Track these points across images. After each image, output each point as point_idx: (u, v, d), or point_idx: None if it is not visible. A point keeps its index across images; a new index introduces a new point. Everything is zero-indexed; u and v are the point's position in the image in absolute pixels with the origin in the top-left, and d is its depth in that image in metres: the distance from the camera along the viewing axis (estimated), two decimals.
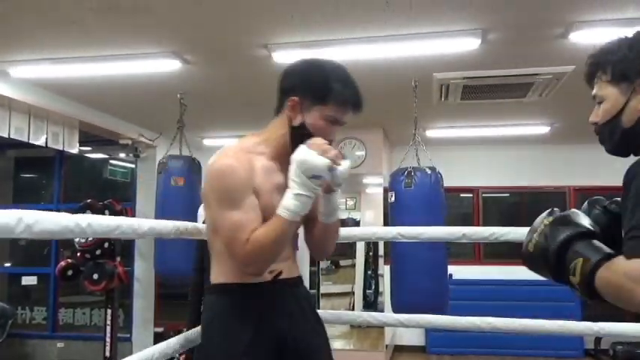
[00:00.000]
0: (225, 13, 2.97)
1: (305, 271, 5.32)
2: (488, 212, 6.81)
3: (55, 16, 3.02)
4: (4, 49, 3.56)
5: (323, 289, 6.32)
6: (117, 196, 5.55)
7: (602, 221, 1.20)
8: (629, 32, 1.18)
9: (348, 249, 6.68)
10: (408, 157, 3.81)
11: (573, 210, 1.17)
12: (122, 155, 6.43)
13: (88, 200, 4.83)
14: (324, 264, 6.68)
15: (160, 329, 5.74)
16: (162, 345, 1.80)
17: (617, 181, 1.07)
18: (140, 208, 5.77)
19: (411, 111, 3.88)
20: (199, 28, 3.22)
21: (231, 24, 3.13)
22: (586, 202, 1.31)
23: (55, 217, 1.24)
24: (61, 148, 4.82)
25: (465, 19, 3.02)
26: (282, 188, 1.43)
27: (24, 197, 6.63)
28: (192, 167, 4.32)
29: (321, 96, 1.46)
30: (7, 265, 6.58)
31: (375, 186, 6.14)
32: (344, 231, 2.06)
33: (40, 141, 4.54)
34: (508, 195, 7.03)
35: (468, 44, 3.28)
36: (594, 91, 1.21)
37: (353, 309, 6.31)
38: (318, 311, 1.76)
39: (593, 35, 3.03)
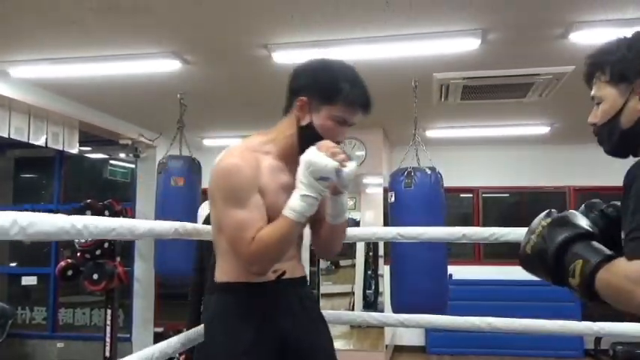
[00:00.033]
0: (225, 13, 2.97)
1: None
2: (488, 212, 6.81)
3: (55, 16, 3.02)
4: (4, 49, 3.56)
5: (323, 289, 6.31)
6: (117, 197, 5.55)
7: (599, 225, 1.19)
8: (628, 32, 1.17)
9: (348, 249, 6.68)
10: (408, 158, 3.81)
11: (571, 211, 1.16)
12: (122, 155, 6.43)
13: (88, 200, 4.83)
14: (324, 264, 6.67)
15: (159, 329, 5.74)
16: (163, 344, 1.80)
17: (617, 181, 1.07)
18: (140, 209, 5.77)
19: (411, 111, 3.88)
20: (199, 28, 3.22)
21: (231, 24, 3.13)
22: (583, 206, 1.30)
23: (49, 218, 1.23)
24: (61, 148, 4.82)
25: (465, 19, 3.02)
26: (288, 188, 1.43)
27: (24, 197, 6.62)
28: (192, 167, 4.32)
29: (330, 96, 1.45)
30: (13, 264, 6.59)
31: (375, 186, 6.14)
32: None
33: (40, 141, 4.54)
34: (508, 195, 7.03)
35: (467, 44, 3.28)
36: (593, 92, 1.20)
37: (353, 309, 6.31)
38: None
39: (593, 35, 3.03)
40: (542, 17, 3.00)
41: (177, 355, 3.05)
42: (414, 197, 3.58)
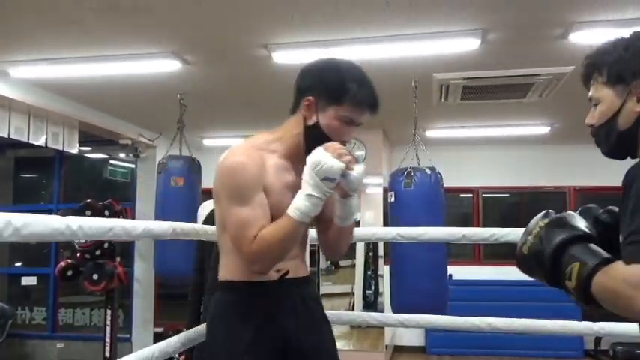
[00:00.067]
0: (225, 13, 2.97)
1: None
2: (488, 212, 6.81)
3: (55, 16, 3.02)
4: (4, 49, 3.56)
5: (323, 290, 6.31)
6: (117, 197, 5.54)
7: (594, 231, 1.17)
8: (628, 33, 1.16)
9: (348, 249, 6.67)
10: (407, 158, 3.81)
11: (569, 212, 1.14)
12: (122, 155, 6.43)
13: (88, 200, 4.83)
14: (324, 264, 6.67)
15: (159, 329, 5.75)
16: (163, 344, 1.80)
17: (617, 181, 1.06)
18: (140, 209, 5.77)
19: (410, 111, 3.88)
20: (199, 28, 3.22)
21: (231, 24, 3.13)
22: (578, 211, 1.29)
23: (44, 219, 1.22)
24: (60, 149, 4.82)
25: (465, 19, 3.02)
26: (293, 187, 1.42)
27: (24, 198, 6.63)
28: (192, 167, 4.32)
29: (337, 96, 1.45)
30: (18, 264, 6.59)
31: (374, 186, 6.14)
32: None
33: (40, 141, 4.54)
34: (508, 195, 7.04)
35: (467, 44, 3.28)
36: (590, 93, 1.19)
37: (353, 309, 6.30)
38: None
39: (593, 36, 3.03)
40: (542, 17, 3.00)
41: (176, 355, 3.05)
42: (414, 197, 3.58)
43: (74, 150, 4.97)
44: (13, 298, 6.32)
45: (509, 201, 7.12)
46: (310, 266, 5.86)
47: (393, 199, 3.69)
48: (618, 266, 0.97)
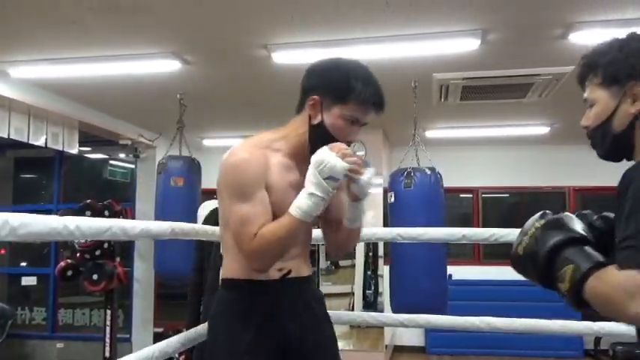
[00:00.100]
0: (225, 13, 2.96)
1: None
2: (488, 213, 6.81)
3: (55, 16, 3.02)
4: (4, 49, 3.56)
5: (323, 290, 6.29)
6: (116, 197, 5.54)
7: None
8: (627, 33, 1.14)
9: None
10: (407, 158, 3.81)
11: (566, 214, 1.13)
12: (122, 156, 6.43)
13: (88, 201, 4.83)
14: (323, 264, 6.67)
15: (159, 329, 5.74)
16: (162, 344, 1.80)
17: (617, 182, 1.05)
18: (140, 209, 5.77)
19: (410, 111, 3.88)
20: (199, 28, 3.22)
21: (231, 24, 3.13)
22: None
23: (41, 219, 1.22)
24: (60, 149, 4.82)
25: (465, 19, 3.02)
26: (297, 186, 1.42)
27: (24, 198, 6.63)
28: (192, 168, 4.32)
29: (342, 95, 1.44)
30: (23, 264, 6.59)
31: (374, 186, 6.14)
32: None
33: (40, 141, 4.54)
34: (508, 195, 7.03)
35: (467, 44, 3.28)
36: (585, 95, 1.17)
37: (353, 309, 6.30)
38: None
39: (593, 36, 3.03)
40: (542, 17, 3.00)
41: (176, 355, 3.05)
42: (414, 197, 3.58)
43: (74, 150, 4.97)
44: (13, 298, 6.32)
45: (509, 201, 7.12)
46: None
47: (392, 199, 3.69)
48: (611, 271, 0.95)
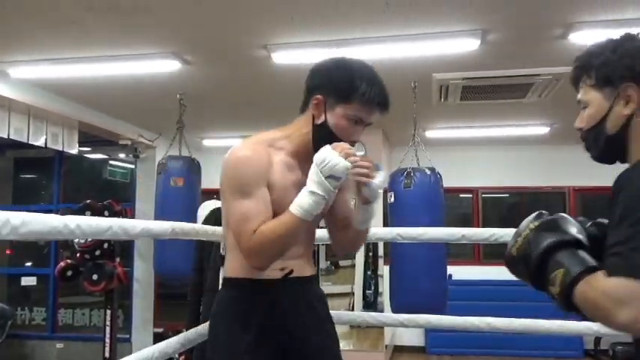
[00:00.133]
0: (225, 14, 2.97)
1: None
2: (488, 213, 6.81)
3: (55, 16, 3.02)
4: (4, 49, 3.56)
5: (323, 290, 6.31)
6: (116, 197, 5.53)
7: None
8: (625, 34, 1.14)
9: None
10: (407, 158, 3.81)
11: (562, 215, 1.11)
12: (122, 156, 6.43)
13: (88, 201, 4.82)
14: (323, 264, 6.67)
15: (159, 330, 5.73)
16: (162, 344, 1.80)
17: None
18: (140, 209, 5.76)
19: (410, 111, 3.88)
20: (199, 28, 3.22)
21: (231, 24, 3.13)
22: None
23: (42, 218, 1.22)
24: (60, 149, 4.82)
25: (465, 19, 3.02)
26: (299, 185, 1.42)
27: (24, 198, 6.62)
28: (192, 168, 4.32)
29: (345, 95, 1.44)
30: (28, 264, 6.59)
31: None
32: None
33: (40, 141, 4.54)
34: (508, 195, 7.04)
35: (467, 45, 3.28)
36: (579, 96, 1.16)
37: (353, 309, 6.30)
38: None
39: (593, 36, 3.02)
40: (542, 17, 3.00)
41: (176, 355, 3.05)
42: (414, 197, 3.58)
43: (74, 150, 4.96)
44: (13, 298, 6.32)
45: (509, 201, 7.13)
46: None
47: (392, 200, 3.69)
48: (601, 277, 0.95)
